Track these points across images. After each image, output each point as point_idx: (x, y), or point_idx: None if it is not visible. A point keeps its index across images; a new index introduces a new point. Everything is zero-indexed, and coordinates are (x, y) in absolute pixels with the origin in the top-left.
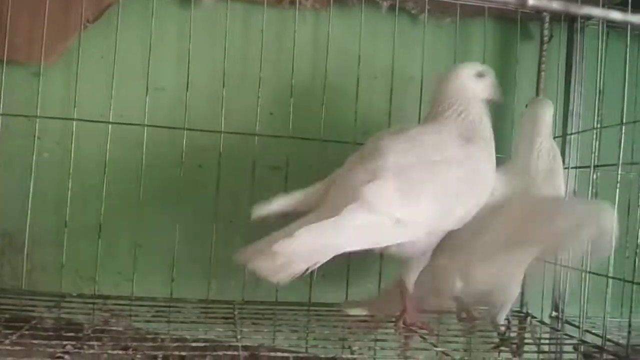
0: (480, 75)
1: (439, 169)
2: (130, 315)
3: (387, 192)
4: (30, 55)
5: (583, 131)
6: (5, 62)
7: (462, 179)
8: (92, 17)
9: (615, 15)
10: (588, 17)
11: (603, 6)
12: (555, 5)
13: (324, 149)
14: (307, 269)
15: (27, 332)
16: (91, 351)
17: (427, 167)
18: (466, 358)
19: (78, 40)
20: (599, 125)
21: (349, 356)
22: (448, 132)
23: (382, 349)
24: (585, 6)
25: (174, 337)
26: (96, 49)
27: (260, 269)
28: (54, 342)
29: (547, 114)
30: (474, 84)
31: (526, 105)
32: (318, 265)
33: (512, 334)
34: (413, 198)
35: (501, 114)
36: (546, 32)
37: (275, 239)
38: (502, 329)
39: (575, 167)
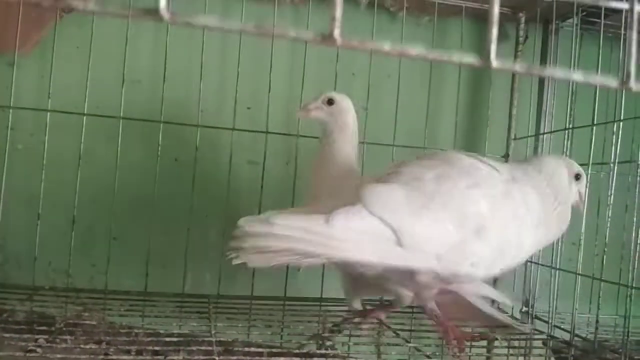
0: (577, 177)
1: (463, 190)
2: (104, 309)
3: (393, 196)
4: (4, 44)
5: (555, 131)
6: None
7: (497, 212)
8: (67, 7)
9: None
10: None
11: (577, 14)
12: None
13: (301, 144)
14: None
15: None
16: (63, 345)
17: (447, 183)
18: (437, 353)
19: (53, 30)
20: (571, 126)
21: (323, 351)
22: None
23: (356, 344)
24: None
25: (147, 331)
26: (72, 39)
27: (237, 251)
28: (25, 336)
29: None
30: (571, 186)
31: None
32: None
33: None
34: (422, 210)
35: (477, 114)
36: (522, 33)
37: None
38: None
39: None
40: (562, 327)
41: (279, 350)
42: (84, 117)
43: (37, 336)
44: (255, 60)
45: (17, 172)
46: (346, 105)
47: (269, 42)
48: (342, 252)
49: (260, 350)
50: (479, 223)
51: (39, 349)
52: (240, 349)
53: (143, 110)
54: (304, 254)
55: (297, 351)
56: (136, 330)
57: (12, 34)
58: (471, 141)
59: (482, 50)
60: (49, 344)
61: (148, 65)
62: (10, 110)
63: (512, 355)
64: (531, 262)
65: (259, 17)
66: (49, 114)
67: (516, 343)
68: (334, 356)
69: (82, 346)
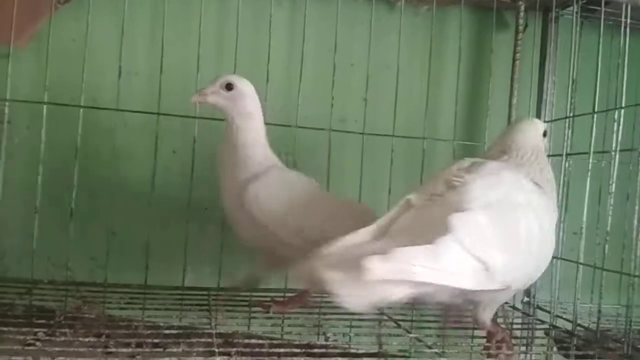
0: (545, 134)
1: (524, 212)
2: (104, 302)
3: (482, 232)
4: (0, 37)
5: (556, 119)
6: None
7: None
8: None
9: None
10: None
11: (577, 2)
12: None
13: (300, 135)
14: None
15: None
16: (63, 338)
17: (513, 207)
18: (439, 343)
19: (49, 22)
20: (571, 114)
21: (324, 342)
22: (524, 173)
23: (357, 335)
24: None
25: (147, 324)
26: (68, 31)
27: (337, 288)
28: (24, 329)
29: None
30: (543, 141)
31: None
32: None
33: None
34: (508, 245)
35: (477, 102)
36: (521, 22)
37: (356, 252)
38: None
39: (548, 155)
40: (564, 317)
41: (280, 341)
42: (81, 110)
43: (36, 329)
44: (253, 52)
45: (14, 166)
46: (247, 89)
47: (266, 33)
48: (450, 282)
49: (260, 342)
50: (538, 246)
51: (38, 343)
52: (240, 340)
53: (140, 102)
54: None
55: (297, 342)
56: (136, 323)
57: (8, 26)
58: (471, 131)
59: (481, 40)
60: (48, 338)
61: (145, 57)
62: (7, 104)
63: (514, 345)
64: None
65: (256, 6)
66: (45, 106)
67: (518, 333)
68: (334, 347)
69: (81, 339)
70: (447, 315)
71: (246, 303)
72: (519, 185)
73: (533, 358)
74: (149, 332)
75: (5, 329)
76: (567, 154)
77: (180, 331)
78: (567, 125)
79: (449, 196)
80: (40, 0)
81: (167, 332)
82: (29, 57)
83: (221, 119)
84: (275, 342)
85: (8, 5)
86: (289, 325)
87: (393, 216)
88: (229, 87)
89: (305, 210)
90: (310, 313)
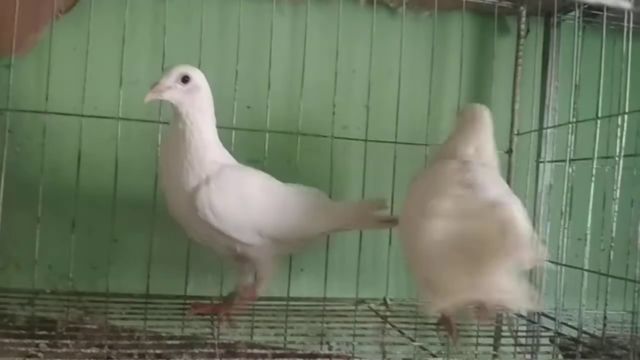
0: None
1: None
2: (106, 313)
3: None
4: (1, 47)
5: (559, 125)
6: None
7: None
8: (64, 8)
9: None
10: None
11: (578, 7)
12: None
13: (302, 142)
14: None
15: None
16: (65, 350)
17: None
18: (443, 352)
19: (50, 32)
20: (574, 119)
21: (327, 352)
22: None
23: (360, 344)
24: None
25: (150, 334)
26: (68, 40)
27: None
28: (26, 341)
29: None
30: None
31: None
32: None
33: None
34: None
35: None
36: (523, 27)
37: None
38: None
39: (551, 161)
40: (569, 324)
41: (283, 351)
42: (82, 119)
43: (38, 341)
44: (255, 58)
45: (16, 175)
46: (203, 81)
47: (268, 40)
48: None
49: (263, 351)
50: None
51: (40, 354)
52: (243, 350)
53: (141, 110)
54: None
55: (301, 352)
56: (138, 334)
57: (9, 36)
58: None
59: (483, 45)
60: (50, 349)
61: (145, 66)
62: (8, 113)
63: (519, 353)
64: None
65: (257, 13)
66: (46, 116)
67: (523, 340)
68: (338, 357)
69: (83, 350)
70: (451, 323)
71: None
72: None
73: None
74: (151, 342)
75: (7, 340)
76: (570, 160)
77: (183, 341)
78: (570, 130)
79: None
80: (41, 10)
81: (169, 342)
82: (30, 66)
83: (222, 127)
84: (278, 351)
85: (9, 15)
86: (292, 335)
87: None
88: (185, 79)
89: (261, 209)
90: (313, 322)
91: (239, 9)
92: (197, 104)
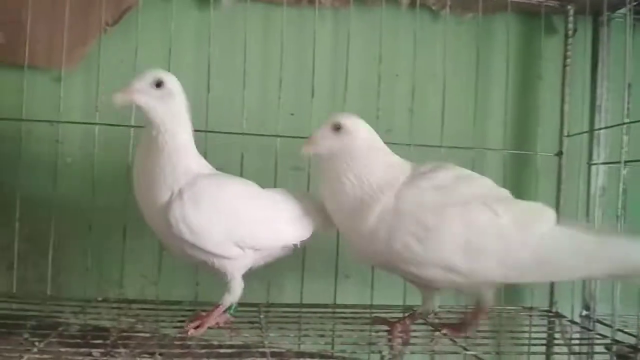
0: None
1: None
2: (157, 320)
3: None
4: (51, 60)
5: (611, 126)
6: (26, 68)
7: None
8: (111, 20)
9: None
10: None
11: (628, 4)
12: None
13: None
14: None
15: (54, 340)
16: (119, 358)
17: None
18: None
19: (98, 44)
20: (627, 120)
21: None
22: None
23: (412, 353)
24: None
25: (201, 342)
26: (116, 52)
27: None
28: (82, 350)
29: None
30: None
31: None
32: None
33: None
34: None
35: (527, 110)
36: (570, 26)
37: None
38: None
39: (604, 163)
40: (626, 330)
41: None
42: (132, 129)
43: (92, 350)
44: (298, 66)
45: (67, 185)
46: (177, 87)
47: (311, 47)
48: None
49: None
50: None
51: None
52: (294, 359)
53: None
54: None
55: None
56: (189, 342)
57: (58, 50)
58: (522, 140)
59: (529, 46)
60: (104, 357)
61: (191, 76)
62: (60, 125)
63: None
64: None
65: (299, 20)
66: (97, 127)
67: (577, 348)
68: None
69: (138, 359)
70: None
71: (296, 319)
72: None
73: None
74: (203, 350)
75: (62, 349)
76: (625, 162)
77: (234, 350)
78: (623, 131)
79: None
80: (89, 23)
81: (221, 350)
82: (79, 79)
83: (266, 134)
84: None
85: (58, 29)
86: (341, 343)
87: None
88: (158, 84)
89: (239, 219)
90: (362, 330)
91: (281, 16)
92: (173, 110)
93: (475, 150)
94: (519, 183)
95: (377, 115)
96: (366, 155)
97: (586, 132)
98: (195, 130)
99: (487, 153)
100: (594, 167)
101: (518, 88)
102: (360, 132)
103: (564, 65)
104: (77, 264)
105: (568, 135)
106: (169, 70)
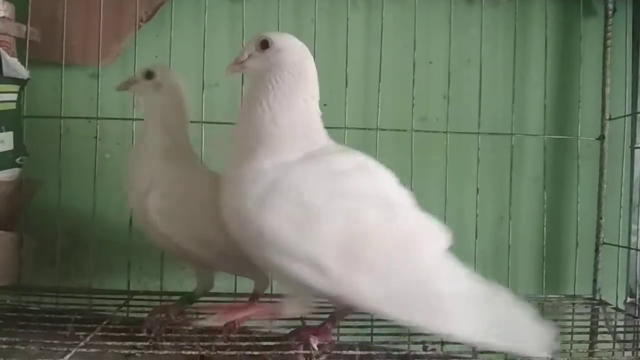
0: None
1: None
2: (198, 312)
3: None
4: (87, 57)
5: None
6: (63, 65)
7: None
8: (145, 16)
9: None
10: None
11: None
12: None
13: (381, 137)
14: None
15: (99, 334)
16: (166, 352)
17: None
18: None
19: (133, 40)
20: None
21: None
22: None
23: (455, 343)
24: None
25: (243, 335)
26: (150, 48)
27: None
28: (127, 344)
29: None
30: None
31: None
32: None
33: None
34: None
35: (567, 94)
36: (610, 6)
37: None
38: None
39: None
40: None
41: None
42: None
43: (136, 343)
44: (331, 56)
45: (107, 181)
46: (175, 79)
47: (343, 36)
48: None
49: (351, 353)
50: None
51: (138, 354)
52: (338, 351)
53: (223, 113)
54: None
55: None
56: (232, 335)
57: (94, 47)
58: (562, 124)
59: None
60: (149, 351)
61: (225, 68)
62: (98, 121)
63: (618, 350)
64: (635, 249)
65: (331, 12)
66: (134, 122)
67: (622, 336)
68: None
69: (183, 352)
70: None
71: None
72: None
73: None
74: (246, 344)
75: (109, 343)
76: None
77: (277, 342)
78: None
79: None
80: (124, 19)
81: (264, 343)
82: (116, 75)
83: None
84: (365, 353)
85: (93, 26)
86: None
87: None
88: (149, 75)
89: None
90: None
91: (314, 5)
92: (169, 101)
93: (515, 136)
94: (559, 169)
95: (412, 103)
96: (295, 83)
97: (629, 115)
98: (229, 124)
99: (525, 139)
100: (637, 151)
101: (557, 71)
102: (293, 50)
103: (605, 47)
104: (118, 258)
105: (610, 119)
106: (203, 64)
